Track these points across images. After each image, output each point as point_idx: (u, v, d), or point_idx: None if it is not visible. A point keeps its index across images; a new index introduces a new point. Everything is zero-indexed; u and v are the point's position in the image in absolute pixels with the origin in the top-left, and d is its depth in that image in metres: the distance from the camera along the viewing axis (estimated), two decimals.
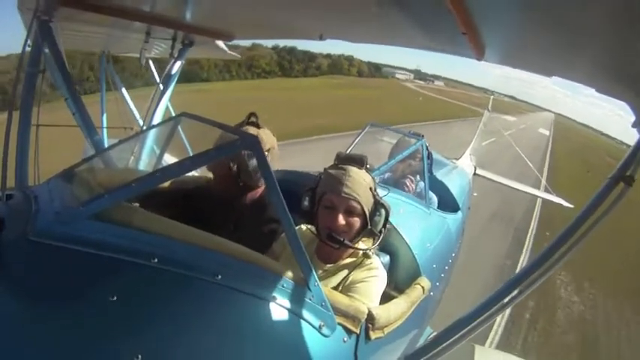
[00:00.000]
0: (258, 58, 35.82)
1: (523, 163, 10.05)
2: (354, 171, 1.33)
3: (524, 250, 8.59)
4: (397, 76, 68.86)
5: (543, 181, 7.71)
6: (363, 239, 1.38)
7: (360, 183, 1.32)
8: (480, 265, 6.76)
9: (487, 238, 8.32)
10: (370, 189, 1.34)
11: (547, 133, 36.49)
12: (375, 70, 59.56)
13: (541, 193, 7.31)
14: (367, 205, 1.33)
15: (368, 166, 1.40)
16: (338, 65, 48.12)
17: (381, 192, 1.41)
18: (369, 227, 1.34)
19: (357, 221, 1.32)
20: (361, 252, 1.37)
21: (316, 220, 1.37)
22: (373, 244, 1.38)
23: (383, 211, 1.35)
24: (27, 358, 0.75)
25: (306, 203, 1.39)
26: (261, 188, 1.64)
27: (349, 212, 1.31)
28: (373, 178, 1.39)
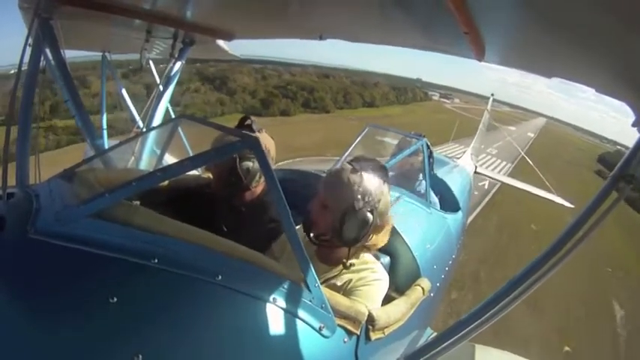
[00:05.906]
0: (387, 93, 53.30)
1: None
2: (345, 171, 1.27)
3: None
4: (434, 98, 73.41)
5: (545, 181, 7.71)
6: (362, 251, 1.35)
7: (340, 184, 1.25)
8: None
9: None
10: (352, 198, 1.23)
11: (532, 135, 51.59)
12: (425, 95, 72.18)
13: (542, 193, 7.29)
14: (336, 209, 1.24)
15: (384, 178, 1.30)
16: (412, 94, 63.92)
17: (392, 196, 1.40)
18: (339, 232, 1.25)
19: (326, 218, 1.27)
20: (362, 255, 1.34)
21: None
22: (348, 258, 1.30)
23: (354, 227, 1.23)
24: (27, 358, 0.75)
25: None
26: (257, 188, 1.63)
27: (324, 206, 1.29)
28: (373, 191, 1.25)
